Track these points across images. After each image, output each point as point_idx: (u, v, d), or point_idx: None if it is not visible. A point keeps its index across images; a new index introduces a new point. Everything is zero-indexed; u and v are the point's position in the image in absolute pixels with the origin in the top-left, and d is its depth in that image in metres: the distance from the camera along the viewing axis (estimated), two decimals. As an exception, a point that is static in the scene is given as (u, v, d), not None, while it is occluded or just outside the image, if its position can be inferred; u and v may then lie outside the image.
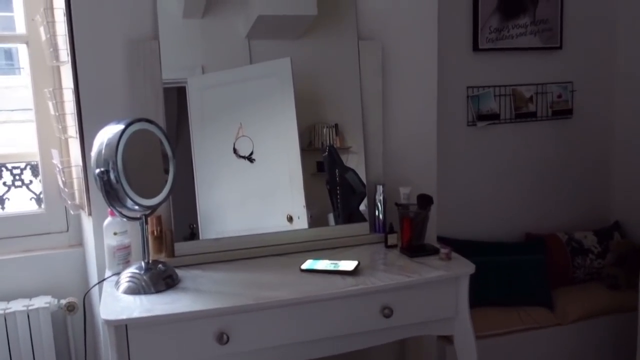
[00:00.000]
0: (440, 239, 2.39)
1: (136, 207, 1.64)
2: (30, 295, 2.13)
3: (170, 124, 1.87)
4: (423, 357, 2.36)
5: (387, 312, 1.74)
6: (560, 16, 2.78)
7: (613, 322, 2.58)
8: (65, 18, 1.81)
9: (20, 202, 2.29)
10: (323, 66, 2.03)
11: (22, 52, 2.11)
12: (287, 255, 1.97)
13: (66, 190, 2.01)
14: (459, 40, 2.64)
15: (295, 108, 1.93)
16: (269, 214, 1.97)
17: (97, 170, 1.58)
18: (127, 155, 1.60)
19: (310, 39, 2.00)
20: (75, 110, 1.86)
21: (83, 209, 2.00)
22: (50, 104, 1.99)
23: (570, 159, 2.94)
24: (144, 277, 1.68)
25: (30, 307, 2.03)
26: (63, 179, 2.02)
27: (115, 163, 1.57)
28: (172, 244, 1.89)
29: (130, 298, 1.64)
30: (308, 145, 2.00)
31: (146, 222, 1.74)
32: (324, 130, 2.01)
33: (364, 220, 2.09)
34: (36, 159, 2.20)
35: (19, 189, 2.28)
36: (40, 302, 2.08)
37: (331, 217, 2.05)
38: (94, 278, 2.00)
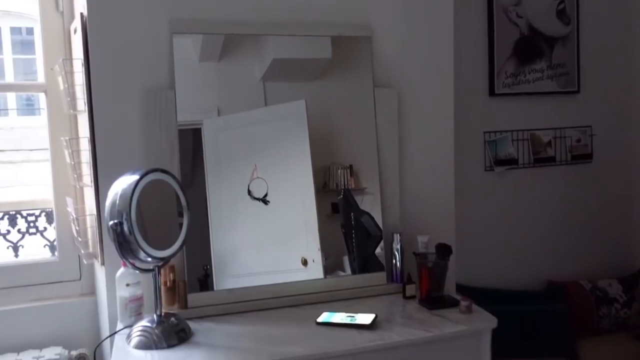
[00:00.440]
0: (459, 287, 2.32)
1: (149, 259, 1.61)
2: (40, 345, 2.09)
3: (185, 166, 1.86)
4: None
5: (406, 368, 1.67)
6: (577, 60, 2.77)
7: (642, 376, 2.47)
8: (84, 68, 1.82)
9: (34, 249, 2.28)
10: (338, 108, 2.04)
11: (42, 98, 2.13)
12: (302, 306, 1.92)
13: (79, 238, 1.99)
14: (475, 85, 2.64)
15: (309, 150, 1.93)
16: (284, 257, 1.94)
17: (111, 222, 1.56)
18: (141, 204, 1.58)
19: (325, 81, 2.01)
20: (91, 159, 1.85)
21: (96, 258, 1.98)
22: (66, 153, 1.99)
23: (591, 203, 2.88)
24: (156, 331, 1.64)
25: (40, 359, 1.99)
26: (77, 227, 2.00)
27: (129, 215, 1.55)
28: (185, 295, 1.85)
29: (142, 353, 1.60)
30: (323, 186, 1.98)
31: (159, 273, 1.70)
32: (339, 171, 2.00)
33: (380, 265, 2.05)
34: (51, 206, 2.19)
35: (33, 236, 2.27)
36: (51, 353, 2.03)
37: (346, 260, 2.02)
38: (105, 329, 1.96)
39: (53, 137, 2.12)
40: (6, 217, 2.24)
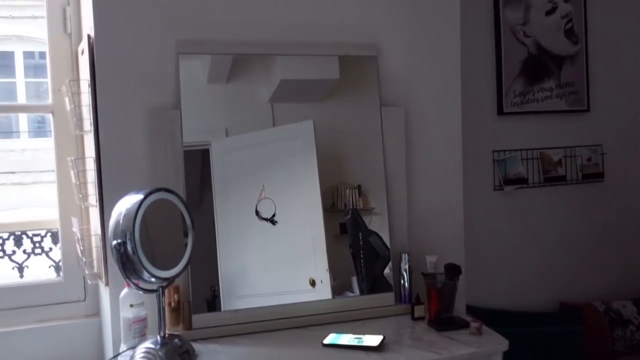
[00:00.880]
0: (469, 309, 2.27)
1: (153, 279, 1.59)
2: (44, 367, 2.07)
3: (193, 186, 1.86)
4: None
5: (415, 392, 1.63)
6: (586, 78, 2.76)
7: (660, 401, 2.40)
8: (90, 89, 1.83)
9: (39, 270, 2.26)
10: (345, 128, 2.03)
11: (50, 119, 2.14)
12: (308, 327, 1.88)
13: (84, 259, 1.97)
14: (483, 105, 2.62)
15: (317, 170, 1.93)
16: (292, 278, 1.92)
17: (114, 242, 1.54)
18: (145, 225, 1.57)
19: (333, 101, 2.01)
20: (96, 179, 1.85)
21: (100, 278, 1.96)
22: (72, 173, 1.99)
23: (603, 223, 2.83)
24: (160, 353, 1.61)
25: (43, 382, 1.96)
26: (82, 247, 1.99)
27: (132, 234, 1.54)
28: (189, 316, 1.83)
29: (145, 376, 1.56)
30: (331, 206, 1.97)
31: (163, 294, 1.68)
32: (347, 191, 1.99)
33: (388, 286, 2.02)
34: (56, 226, 2.18)
35: (38, 256, 2.26)
36: (54, 375, 2.00)
37: (355, 281, 2.00)
38: (109, 350, 1.93)
39: (59, 158, 2.12)
40: (12, 237, 2.23)
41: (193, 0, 1.90)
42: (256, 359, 1.66)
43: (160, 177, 1.85)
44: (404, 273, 2.02)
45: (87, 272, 1.99)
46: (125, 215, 1.56)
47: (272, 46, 1.97)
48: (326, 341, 1.73)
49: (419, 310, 1.94)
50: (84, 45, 1.92)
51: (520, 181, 2.66)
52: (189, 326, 1.82)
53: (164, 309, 1.69)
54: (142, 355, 1.62)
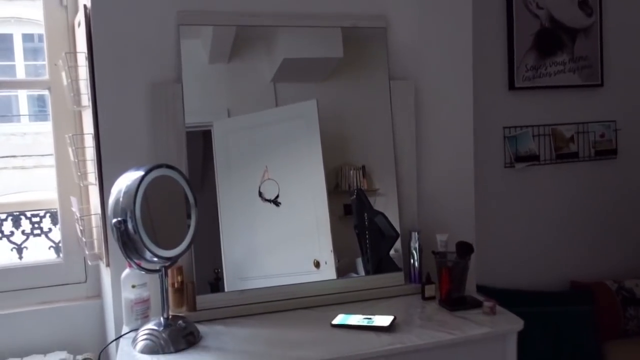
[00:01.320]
0: (479, 288, 2.22)
1: (155, 259, 1.54)
2: (45, 350, 2.02)
3: (195, 168, 1.82)
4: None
5: (427, 374, 1.58)
6: (600, 52, 2.67)
7: (674, 381, 2.35)
8: (87, 62, 1.76)
9: (39, 251, 2.21)
10: (350, 107, 1.99)
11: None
12: (316, 308, 1.84)
13: (84, 239, 1.92)
14: (494, 79, 2.55)
15: (321, 150, 1.89)
16: (296, 259, 1.89)
17: (114, 220, 1.48)
18: (147, 203, 1.51)
19: (337, 80, 1.97)
20: (95, 156, 1.79)
21: (101, 259, 1.91)
22: (70, 150, 1.93)
23: (616, 200, 2.77)
24: (163, 335, 1.56)
25: (44, 365, 1.92)
26: (81, 227, 1.94)
27: (133, 212, 1.48)
28: (193, 297, 1.78)
29: (148, 358, 1.52)
30: (335, 187, 1.93)
31: (166, 274, 1.63)
32: (351, 172, 1.95)
33: (394, 266, 1.98)
34: (55, 206, 2.13)
35: (37, 237, 2.21)
36: (55, 358, 1.96)
37: (360, 262, 1.96)
38: (112, 332, 1.89)
39: (57, 135, 2.05)
40: (10, 218, 2.17)
41: (193, -31, 1.82)
42: (263, 341, 1.60)
43: (161, 153, 1.79)
44: (414, 252, 1.97)
45: (87, 252, 1.94)
46: (125, 193, 1.50)
47: (275, 18, 1.90)
48: (335, 322, 1.68)
49: (430, 290, 1.89)
50: (80, 17, 1.85)
51: (531, 158, 2.59)
52: (193, 307, 1.77)
53: (167, 289, 1.63)
54: (145, 337, 1.57)
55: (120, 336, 1.67)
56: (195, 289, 1.78)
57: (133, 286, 1.70)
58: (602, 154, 2.71)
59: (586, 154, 2.69)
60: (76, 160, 1.89)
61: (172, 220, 1.66)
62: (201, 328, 1.68)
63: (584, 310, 2.46)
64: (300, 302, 1.84)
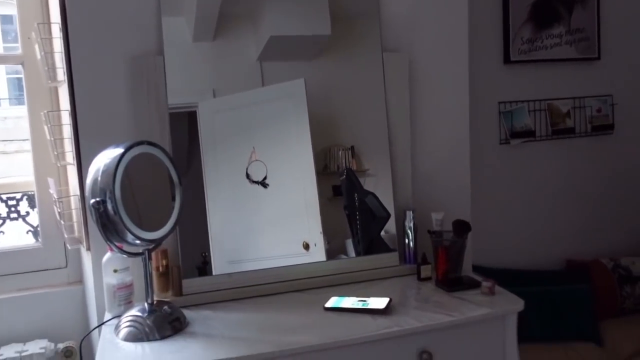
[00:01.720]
0: (474, 268, 2.17)
1: (137, 242, 1.44)
2: (24, 338, 1.93)
3: (181, 150, 1.76)
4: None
5: (425, 356, 1.52)
6: (597, 24, 2.61)
7: (671, 359, 2.33)
8: (62, 33, 1.65)
9: (16, 236, 2.11)
10: (339, 86, 1.94)
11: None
12: (307, 291, 1.77)
13: (62, 222, 1.82)
14: (488, 52, 2.48)
15: (309, 131, 1.84)
16: (285, 241, 1.84)
17: (92, 201, 1.39)
18: (129, 183, 1.41)
19: (327, 58, 1.91)
20: (73, 134, 1.68)
21: (81, 243, 1.82)
22: (45, 128, 1.82)
23: (613, 177, 2.73)
24: (147, 322, 1.48)
25: (23, 354, 1.83)
26: (59, 210, 1.84)
27: (112, 192, 1.38)
28: (179, 281, 1.70)
29: (132, 346, 1.44)
30: (323, 168, 1.89)
31: (149, 258, 1.54)
32: (340, 152, 1.91)
33: (385, 246, 1.92)
34: (32, 188, 2.02)
35: (14, 221, 2.10)
36: (35, 347, 1.87)
37: (350, 244, 1.91)
38: (94, 319, 1.81)
39: (32, 113, 1.94)
40: (-16, 201, 2.07)
41: None
42: (253, 326, 1.53)
43: (143, 130, 1.70)
44: (409, 231, 1.91)
45: (66, 236, 1.84)
46: (104, 172, 1.40)
47: None
48: (328, 305, 1.61)
49: (426, 271, 1.83)
50: (53, -15, 1.73)
51: (527, 134, 2.54)
52: (179, 292, 1.69)
53: (151, 274, 1.55)
54: (128, 324, 1.49)
55: (102, 323, 1.59)
56: (182, 273, 1.69)
57: (115, 271, 1.61)
58: (598, 130, 2.67)
59: (582, 129, 2.65)
60: (52, 139, 1.78)
61: (156, 200, 1.57)
62: (188, 313, 1.60)
63: (580, 289, 2.43)
64: (292, 284, 1.78)
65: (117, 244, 1.46)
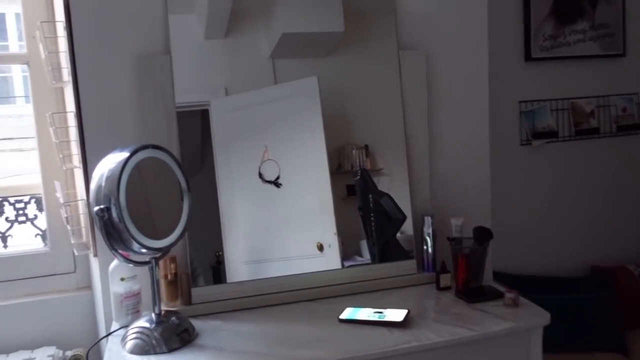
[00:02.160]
0: (495, 275, 2.08)
1: (143, 251, 1.38)
2: (32, 346, 1.90)
3: (194, 148, 1.74)
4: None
5: (445, 372, 1.44)
6: (622, 19, 2.52)
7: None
8: (66, 31, 1.59)
9: (25, 239, 2.07)
10: (353, 84, 1.91)
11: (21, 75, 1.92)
12: (321, 300, 1.70)
13: (69, 227, 1.77)
14: (509, 49, 2.42)
15: (323, 129, 1.80)
16: (298, 242, 1.81)
17: (96, 208, 1.33)
18: (134, 188, 1.36)
19: (340, 55, 1.87)
20: (78, 137, 1.63)
21: (89, 248, 1.76)
22: (51, 130, 1.77)
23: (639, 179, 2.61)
24: (155, 334, 1.42)
25: (30, 362, 1.79)
26: (66, 214, 1.79)
27: (117, 199, 1.32)
28: (188, 290, 1.64)
29: (138, 359, 1.38)
30: (337, 168, 1.85)
31: (157, 266, 1.48)
32: (354, 151, 1.87)
33: (401, 250, 1.86)
34: (40, 191, 1.97)
35: (22, 224, 2.06)
36: (43, 354, 1.83)
37: (364, 245, 1.86)
38: (102, 326, 1.76)
39: (38, 114, 1.90)
40: (-9, 204, 2.03)
41: None
42: (264, 338, 1.47)
43: (150, 132, 1.64)
44: (427, 238, 1.83)
45: (73, 242, 1.79)
46: (108, 178, 1.35)
47: None
48: (343, 316, 1.54)
49: (445, 280, 1.75)
50: (58, -18, 1.68)
51: (549, 135, 2.48)
52: (188, 301, 1.64)
53: (158, 283, 1.49)
54: (134, 335, 1.44)
55: (109, 334, 1.53)
56: (190, 281, 1.64)
57: (122, 279, 1.56)
58: (624, 130, 2.59)
59: (607, 129, 2.58)
60: (57, 141, 1.73)
61: (163, 207, 1.51)
62: (197, 323, 1.54)
63: (605, 297, 2.35)
64: (305, 293, 1.72)
65: (122, 252, 1.40)
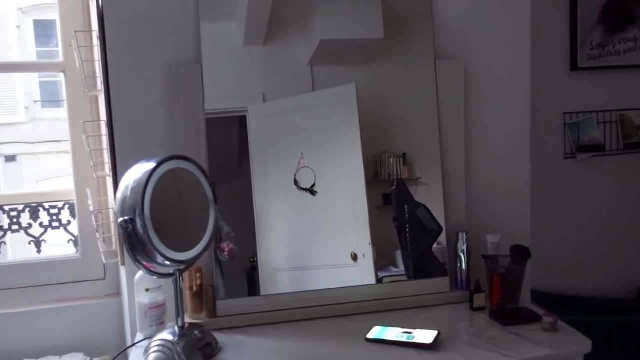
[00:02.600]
0: (533, 294, 1.99)
1: (167, 263, 1.36)
2: (61, 351, 1.91)
3: (232, 154, 1.77)
4: None
5: (476, 400, 1.37)
6: (677, 27, 2.37)
7: None
8: (100, 41, 1.60)
9: (58, 245, 2.09)
10: (391, 91, 1.88)
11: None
12: (349, 317, 1.66)
13: (98, 235, 1.78)
14: (554, 58, 2.34)
15: (360, 137, 1.79)
16: (332, 251, 1.79)
17: (120, 220, 1.32)
18: (166, 197, 1.36)
19: (378, 62, 1.85)
20: (109, 146, 1.63)
21: (117, 257, 1.76)
22: (83, 138, 1.78)
23: (692, 196, 2.48)
24: (177, 348, 1.40)
25: (59, 368, 1.80)
26: (96, 222, 1.79)
27: (142, 210, 1.31)
28: (213, 302, 1.62)
29: (160, 373, 1.36)
30: (374, 176, 1.83)
31: (181, 278, 1.46)
32: (391, 160, 1.85)
33: (437, 262, 1.82)
34: (73, 197, 1.99)
35: (56, 230, 2.09)
36: (71, 361, 1.84)
37: (399, 256, 1.83)
38: (129, 335, 1.75)
39: (73, 122, 1.91)
40: (27, 209, 2.06)
41: None
42: (289, 355, 1.43)
43: (179, 142, 1.64)
44: (461, 255, 1.76)
45: (102, 249, 1.80)
46: (133, 189, 1.33)
47: None
48: (370, 335, 1.49)
49: (479, 300, 1.68)
50: (93, -8, 1.69)
51: (595, 148, 2.39)
52: (213, 313, 1.62)
53: (181, 294, 1.47)
54: (157, 348, 1.42)
55: (133, 344, 1.52)
56: (215, 293, 1.61)
57: (147, 290, 1.55)
58: (676, 144, 2.44)
59: (658, 143, 2.43)
60: (89, 150, 1.74)
61: (190, 217, 1.49)
62: (221, 337, 1.51)
63: (653, 321, 2.20)
64: (332, 309, 1.68)
65: (145, 264, 1.38)
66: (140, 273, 1.55)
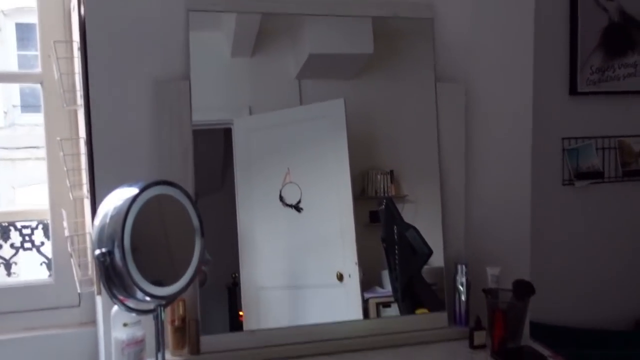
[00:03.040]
0: (531, 326, 1.93)
1: (147, 299, 1.25)
2: (30, 385, 1.77)
3: (215, 168, 1.74)
4: None
5: None
6: (677, 54, 2.37)
7: None
8: (80, 52, 1.51)
9: (30, 267, 1.97)
10: (380, 107, 1.88)
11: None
12: (341, 354, 1.59)
13: (73, 260, 1.66)
14: (552, 82, 2.31)
15: (347, 153, 1.78)
16: (318, 270, 1.77)
17: (97, 252, 1.20)
18: (142, 226, 1.24)
19: (368, 78, 1.84)
20: (87, 165, 1.53)
21: (94, 285, 1.64)
22: (60, 156, 1.67)
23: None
24: (155, 390, 1.28)
25: (26, 405, 1.66)
26: (71, 247, 1.68)
27: (121, 241, 1.19)
28: (197, 338, 1.51)
29: (136, 419, 1.24)
30: (361, 193, 1.80)
31: (162, 313, 1.35)
32: (378, 177, 1.84)
33: (425, 284, 1.79)
34: (47, 217, 1.87)
35: (28, 251, 1.96)
36: (40, 396, 1.70)
37: (386, 276, 1.80)
38: (104, 368, 1.63)
39: (49, 138, 1.79)
40: (-3, 229, 1.93)
41: (206, -55, 1.56)
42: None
43: (164, 163, 1.55)
44: (460, 288, 1.70)
45: (77, 277, 1.68)
46: (112, 217, 1.22)
47: (302, 5, 1.69)
48: (365, 377, 1.39)
49: (480, 337, 1.61)
50: (75, 1, 1.59)
51: (594, 175, 2.37)
52: (196, 350, 1.52)
53: (163, 330, 1.35)
54: (133, 391, 1.29)
55: (107, 385, 1.40)
56: (200, 328, 1.50)
57: (125, 324, 1.43)
58: (676, 171, 2.44)
59: (658, 171, 2.43)
60: (66, 169, 1.63)
61: (173, 245, 1.38)
62: (203, 377, 1.40)
63: (651, 354, 2.15)
64: (322, 346, 1.61)
65: (121, 299, 1.27)
66: (117, 306, 1.43)
